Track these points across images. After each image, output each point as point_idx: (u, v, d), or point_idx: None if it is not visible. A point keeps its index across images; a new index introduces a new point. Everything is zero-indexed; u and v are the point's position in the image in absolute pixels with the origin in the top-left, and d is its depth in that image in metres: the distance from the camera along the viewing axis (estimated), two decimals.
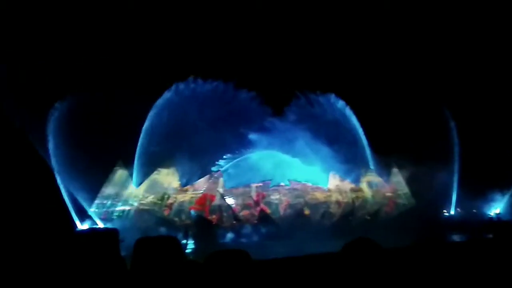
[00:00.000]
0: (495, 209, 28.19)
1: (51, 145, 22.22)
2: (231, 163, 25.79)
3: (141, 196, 25.13)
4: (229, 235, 24.20)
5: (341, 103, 28.33)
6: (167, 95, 25.86)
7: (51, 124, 22.73)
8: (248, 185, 26.09)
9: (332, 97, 28.55)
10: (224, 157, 26.10)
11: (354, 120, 27.99)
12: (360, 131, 27.88)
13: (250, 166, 25.28)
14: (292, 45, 28.75)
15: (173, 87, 25.95)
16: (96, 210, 24.04)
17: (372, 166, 28.64)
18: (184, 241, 22.05)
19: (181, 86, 26.17)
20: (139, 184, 24.96)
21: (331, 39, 28.82)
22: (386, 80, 28.51)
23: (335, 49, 28.75)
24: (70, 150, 21.80)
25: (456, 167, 27.09)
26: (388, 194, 28.40)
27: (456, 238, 21.17)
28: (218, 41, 27.58)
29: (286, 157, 25.40)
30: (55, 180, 21.86)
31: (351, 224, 26.10)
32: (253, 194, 26.19)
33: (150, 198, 25.18)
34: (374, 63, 28.67)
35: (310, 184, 27.06)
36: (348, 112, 28.10)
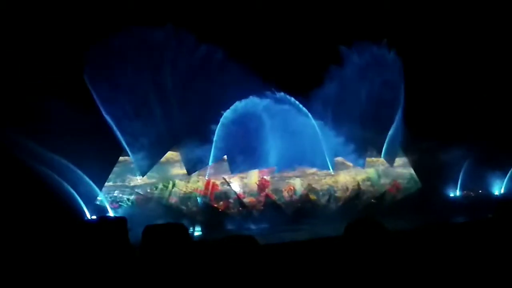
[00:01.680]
0: (500, 188, 28.29)
1: None
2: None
3: (147, 184, 25.32)
4: (235, 222, 24.43)
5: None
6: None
7: None
8: (253, 171, 26.16)
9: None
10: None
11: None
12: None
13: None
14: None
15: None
16: (103, 199, 24.28)
17: (376, 149, 28.48)
18: (191, 229, 22.32)
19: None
20: (145, 172, 25.06)
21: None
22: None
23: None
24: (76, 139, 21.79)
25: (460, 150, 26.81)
26: (393, 177, 28.42)
27: (460, 219, 21.27)
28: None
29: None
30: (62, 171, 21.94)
31: (357, 208, 26.24)
32: (259, 180, 26.30)
33: (156, 186, 25.36)
34: None
35: (315, 169, 27.08)
36: None
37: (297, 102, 25.90)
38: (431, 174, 27.27)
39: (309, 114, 25.81)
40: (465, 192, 28.65)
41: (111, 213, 23.35)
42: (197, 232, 22.58)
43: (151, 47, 24.57)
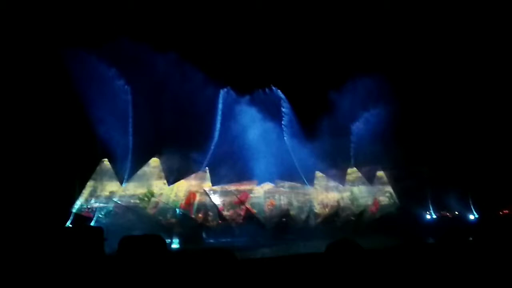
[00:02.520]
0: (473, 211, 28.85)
1: None
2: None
3: (126, 194, 24.91)
4: (214, 234, 24.18)
5: None
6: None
7: None
8: (234, 184, 26.05)
9: None
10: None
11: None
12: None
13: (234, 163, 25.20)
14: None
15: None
16: (80, 207, 23.78)
17: (355, 165, 28.76)
18: (168, 240, 21.97)
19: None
20: (124, 181, 24.72)
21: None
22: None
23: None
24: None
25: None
26: (373, 196, 28.69)
27: (432, 240, 21.52)
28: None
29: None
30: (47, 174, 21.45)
31: (336, 224, 26.34)
32: (239, 194, 26.19)
33: (135, 196, 24.97)
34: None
35: (296, 184, 27.16)
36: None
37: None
38: (409, 194, 27.65)
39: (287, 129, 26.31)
40: (442, 213, 29.07)
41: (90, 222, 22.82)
42: (175, 244, 22.26)
43: (139, 61, 24.35)
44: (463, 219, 28.04)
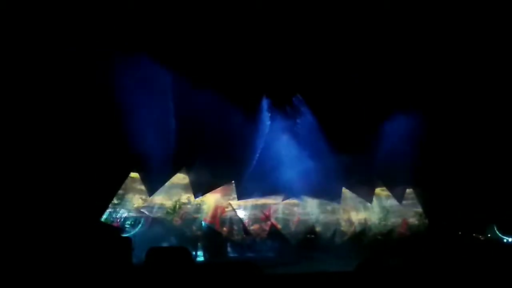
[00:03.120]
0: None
1: None
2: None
3: (153, 205, 25.24)
4: (239, 249, 24.13)
5: None
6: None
7: None
8: (260, 199, 26.02)
9: None
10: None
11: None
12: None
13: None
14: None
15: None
16: (108, 217, 24.22)
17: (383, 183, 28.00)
18: (193, 253, 22.08)
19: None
20: (152, 192, 25.04)
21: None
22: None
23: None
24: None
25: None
26: (401, 215, 27.98)
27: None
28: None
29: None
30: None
31: (363, 243, 25.81)
32: (264, 208, 26.12)
33: (162, 207, 25.27)
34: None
35: (322, 200, 26.86)
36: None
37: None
38: (440, 213, 26.72)
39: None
40: (474, 235, 27.89)
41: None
42: (200, 256, 22.33)
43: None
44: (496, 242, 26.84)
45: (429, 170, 25.66)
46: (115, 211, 24.73)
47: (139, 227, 24.05)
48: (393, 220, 27.61)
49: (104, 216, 24.04)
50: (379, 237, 26.67)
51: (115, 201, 24.79)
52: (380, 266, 2.27)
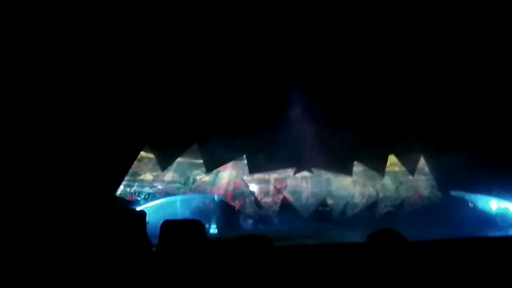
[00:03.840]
0: None
1: None
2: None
3: (166, 180, 25.58)
4: (251, 221, 24.47)
5: None
6: None
7: None
8: (271, 172, 26.13)
9: None
10: None
11: None
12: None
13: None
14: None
15: None
16: (123, 191, 24.64)
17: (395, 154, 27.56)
18: (207, 225, 22.47)
19: None
20: (165, 167, 25.29)
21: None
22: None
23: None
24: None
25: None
26: (414, 186, 27.86)
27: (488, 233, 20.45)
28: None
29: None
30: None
31: (374, 215, 25.92)
32: (276, 181, 26.29)
33: (175, 181, 25.62)
34: None
35: (334, 173, 26.86)
36: None
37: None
38: (455, 183, 26.27)
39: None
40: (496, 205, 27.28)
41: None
42: (213, 229, 22.71)
43: None
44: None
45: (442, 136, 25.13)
46: (130, 186, 25.18)
47: (152, 200, 24.46)
48: (405, 193, 27.48)
49: (119, 191, 24.48)
50: (391, 209, 26.68)
51: (128, 176, 25.20)
52: (392, 236, 2.28)
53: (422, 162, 27.83)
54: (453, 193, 26.00)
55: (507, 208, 25.29)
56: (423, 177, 27.91)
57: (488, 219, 24.14)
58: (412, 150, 26.95)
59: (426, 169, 27.91)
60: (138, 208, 22.43)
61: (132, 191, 25.09)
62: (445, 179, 26.74)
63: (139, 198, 24.69)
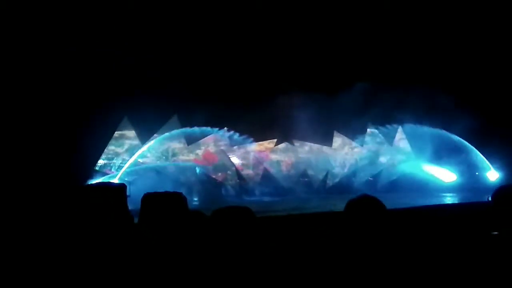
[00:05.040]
0: (495, 172, 27.84)
1: None
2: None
3: (147, 153, 25.37)
4: (233, 193, 24.67)
5: None
6: None
7: None
8: (252, 143, 26.19)
9: None
10: None
11: None
12: None
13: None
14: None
15: None
16: (102, 165, 24.39)
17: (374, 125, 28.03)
18: (188, 198, 22.53)
19: None
20: (145, 140, 25.07)
21: None
22: None
23: None
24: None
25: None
26: (391, 155, 28.41)
27: (455, 201, 21.45)
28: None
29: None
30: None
31: (354, 185, 26.44)
32: (257, 153, 26.40)
33: (156, 154, 25.44)
34: None
35: (314, 143, 27.11)
36: None
37: None
38: (427, 154, 27.10)
39: None
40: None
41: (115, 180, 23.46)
42: (195, 202, 22.80)
43: None
44: (482, 180, 27.48)
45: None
46: (109, 159, 24.92)
47: (133, 174, 24.31)
48: (383, 161, 28.03)
49: (99, 165, 24.24)
50: (370, 178, 27.26)
51: (108, 149, 24.91)
52: (370, 203, 2.33)
53: (400, 132, 28.41)
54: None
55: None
56: (400, 147, 28.51)
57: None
58: (390, 121, 27.57)
59: (404, 139, 28.51)
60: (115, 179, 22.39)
61: (112, 165, 24.88)
62: (419, 150, 27.52)
63: (122, 173, 24.48)
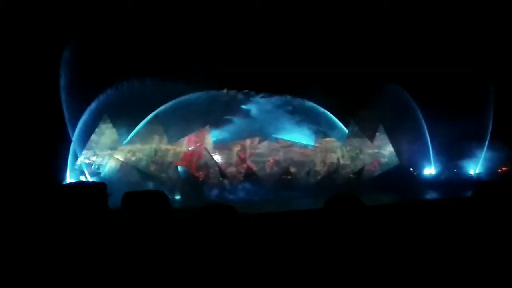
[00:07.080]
0: (476, 168, 28.88)
1: None
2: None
3: (128, 151, 25.06)
4: (215, 192, 24.58)
5: None
6: None
7: None
8: (235, 142, 26.16)
9: None
10: None
11: None
12: None
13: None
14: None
15: None
16: (83, 164, 24.01)
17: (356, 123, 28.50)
18: (170, 197, 22.37)
19: None
20: (127, 139, 24.78)
21: None
22: None
23: None
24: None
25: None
26: (373, 152, 28.81)
27: (436, 196, 21.93)
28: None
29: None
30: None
31: (336, 182, 26.70)
32: (240, 151, 26.37)
33: (137, 153, 25.14)
34: None
35: (296, 142, 27.27)
36: None
37: None
38: (409, 152, 27.74)
39: None
40: (440, 170, 29.27)
41: (89, 179, 23.18)
42: (177, 201, 22.65)
43: None
44: (461, 176, 28.28)
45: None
46: (89, 158, 24.56)
47: (115, 173, 24.02)
48: (364, 159, 28.41)
49: (79, 163, 23.87)
50: (351, 175, 27.59)
51: (89, 147, 24.55)
52: (348, 200, 2.37)
53: (381, 130, 28.86)
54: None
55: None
56: (381, 145, 28.95)
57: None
58: (372, 119, 28.01)
59: (385, 137, 28.97)
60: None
61: (92, 163, 24.51)
62: (402, 147, 28.12)
63: (103, 172, 24.17)
